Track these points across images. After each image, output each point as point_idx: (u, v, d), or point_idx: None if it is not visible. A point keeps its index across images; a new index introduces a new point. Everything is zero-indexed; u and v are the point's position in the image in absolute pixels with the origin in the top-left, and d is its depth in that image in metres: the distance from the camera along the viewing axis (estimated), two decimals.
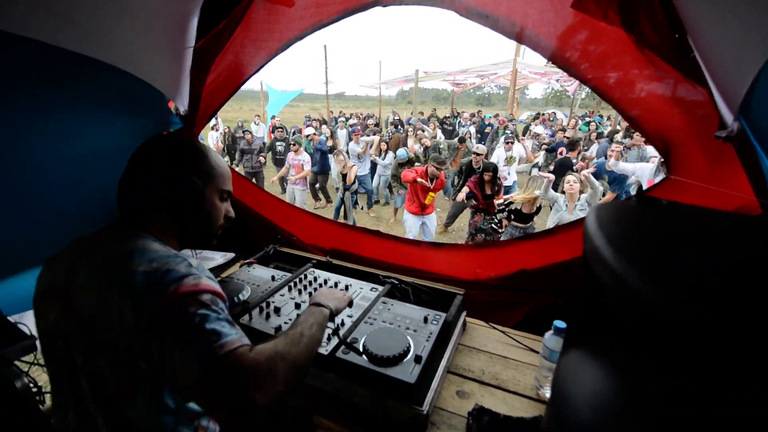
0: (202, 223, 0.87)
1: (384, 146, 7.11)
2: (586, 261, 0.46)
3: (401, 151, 6.15)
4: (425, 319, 1.22)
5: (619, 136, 7.60)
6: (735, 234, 0.43)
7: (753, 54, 0.77)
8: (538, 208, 4.13)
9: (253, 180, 7.26)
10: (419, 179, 4.53)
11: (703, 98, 1.17)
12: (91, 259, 0.75)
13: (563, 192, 3.74)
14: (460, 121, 12.11)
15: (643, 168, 4.20)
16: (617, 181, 4.62)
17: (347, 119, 12.28)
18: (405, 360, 1.05)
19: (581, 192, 3.57)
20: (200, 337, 0.64)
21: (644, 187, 4.11)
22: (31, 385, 1.16)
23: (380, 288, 1.44)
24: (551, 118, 13.07)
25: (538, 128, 9.81)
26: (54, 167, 1.54)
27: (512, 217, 4.18)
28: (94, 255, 0.76)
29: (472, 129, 10.32)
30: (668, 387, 0.39)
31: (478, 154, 5.24)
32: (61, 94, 1.41)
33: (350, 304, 1.12)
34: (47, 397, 1.19)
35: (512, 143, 6.27)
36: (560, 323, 1.10)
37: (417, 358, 1.05)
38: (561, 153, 6.17)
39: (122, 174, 0.83)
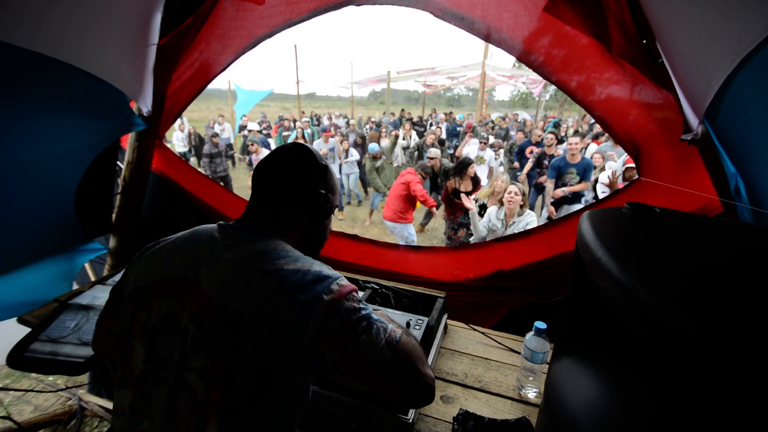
0: (322, 238, 0.94)
1: (346, 145, 7.06)
2: (582, 270, 0.45)
3: (373, 145, 6.20)
4: (407, 325, 1.20)
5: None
6: (730, 240, 0.44)
7: (721, 61, 0.80)
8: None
9: (222, 184, 7.02)
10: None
11: (669, 102, 1.22)
12: (226, 256, 0.73)
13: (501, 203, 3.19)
14: (431, 123, 12.24)
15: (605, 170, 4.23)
16: (586, 171, 4.74)
17: (313, 120, 12.14)
18: None
19: (522, 206, 3.04)
20: (378, 328, 0.71)
21: (623, 165, 4.11)
22: None
23: (360, 293, 1.41)
24: (516, 119, 13.44)
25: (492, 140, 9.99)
26: (11, 172, 1.40)
27: (481, 212, 4.24)
28: (228, 252, 0.74)
29: (443, 127, 10.47)
30: (661, 405, 0.38)
31: (431, 158, 5.33)
32: (10, 95, 1.28)
33: None
34: None
35: (486, 144, 6.39)
36: (540, 324, 1.11)
37: None
38: (531, 152, 6.35)
39: (261, 175, 0.84)
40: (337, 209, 7.04)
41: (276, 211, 0.83)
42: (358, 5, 1.55)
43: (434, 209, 5.14)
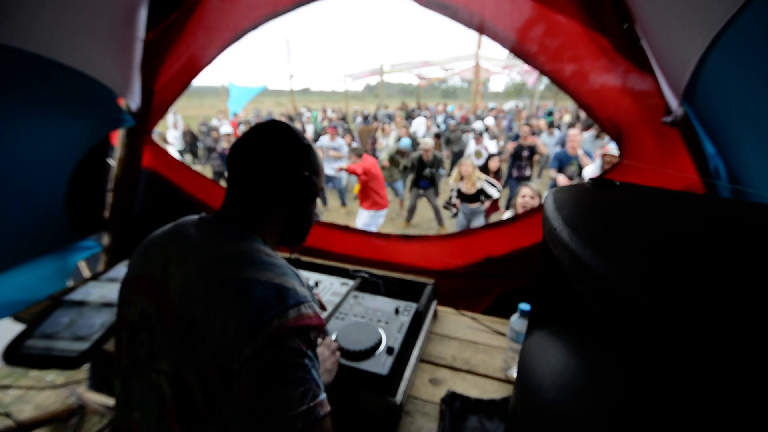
0: (308, 225, 0.85)
1: (349, 139, 7.05)
2: (546, 243, 0.47)
3: (405, 140, 6.18)
4: (396, 311, 1.22)
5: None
6: (685, 211, 0.46)
7: (694, 41, 0.81)
8: (481, 190, 4.23)
9: (221, 181, 7.01)
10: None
11: (650, 86, 1.24)
12: (193, 257, 0.67)
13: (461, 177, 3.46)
14: (423, 114, 12.21)
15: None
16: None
17: (317, 119, 12.04)
18: (377, 352, 1.05)
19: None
20: (308, 390, 0.59)
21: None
22: None
23: (351, 282, 1.43)
24: (505, 111, 13.41)
25: (477, 124, 9.94)
26: None
27: (459, 196, 4.37)
28: (196, 252, 0.67)
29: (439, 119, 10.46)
30: (632, 372, 0.40)
31: (427, 149, 5.35)
32: (1, 95, 1.28)
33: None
34: None
35: (482, 136, 6.40)
36: (525, 306, 1.14)
37: (389, 350, 1.05)
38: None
39: (236, 160, 0.75)
40: (340, 204, 7.03)
41: (254, 202, 0.75)
42: None
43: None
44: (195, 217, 0.77)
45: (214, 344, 0.58)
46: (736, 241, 0.37)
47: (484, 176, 4.10)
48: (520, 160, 5.60)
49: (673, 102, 1.15)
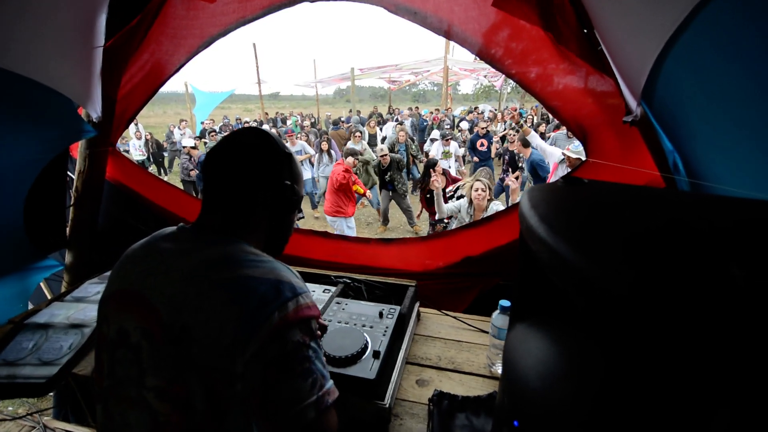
0: (287, 233, 0.83)
1: (325, 146, 7.01)
2: (523, 240, 0.49)
3: (381, 147, 6.24)
4: (380, 314, 1.23)
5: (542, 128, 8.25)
6: (649, 205, 0.49)
7: (649, 45, 0.87)
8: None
9: (193, 192, 6.76)
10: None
11: (611, 88, 1.31)
12: (177, 266, 0.64)
13: (470, 202, 3.29)
14: (397, 118, 12.32)
15: (553, 152, 4.42)
16: (538, 168, 4.96)
17: (278, 121, 11.85)
18: (363, 357, 1.05)
19: (489, 200, 3.16)
20: (316, 380, 0.61)
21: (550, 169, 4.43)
22: None
23: (333, 289, 1.43)
24: (481, 112, 13.78)
25: (463, 123, 10.37)
26: None
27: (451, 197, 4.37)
28: (179, 261, 0.65)
29: (407, 123, 10.59)
30: (610, 358, 0.42)
31: (383, 155, 5.49)
32: None
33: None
34: None
35: (450, 139, 6.55)
36: (505, 302, 1.17)
37: (375, 354, 1.05)
38: (482, 145, 6.63)
39: (212, 169, 0.73)
40: (312, 208, 6.95)
41: (234, 210, 0.73)
42: (312, 1, 1.55)
43: (367, 193, 5.29)
44: (173, 228, 0.75)
45: (212, 347, 0.58)
46: (696, 232, 0.40)
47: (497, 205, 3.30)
48: (503, 165, 5.87)
49: (632, 102, 1.22)
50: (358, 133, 6.75)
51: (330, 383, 0.64)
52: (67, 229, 2.02)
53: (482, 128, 6.92)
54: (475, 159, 6.86)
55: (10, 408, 2.41)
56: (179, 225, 0.75)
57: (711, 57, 0.74)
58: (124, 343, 0.65)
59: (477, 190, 3.11)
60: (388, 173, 5.53)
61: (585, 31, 1.24)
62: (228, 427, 0.60)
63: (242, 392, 0.58)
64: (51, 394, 2.03)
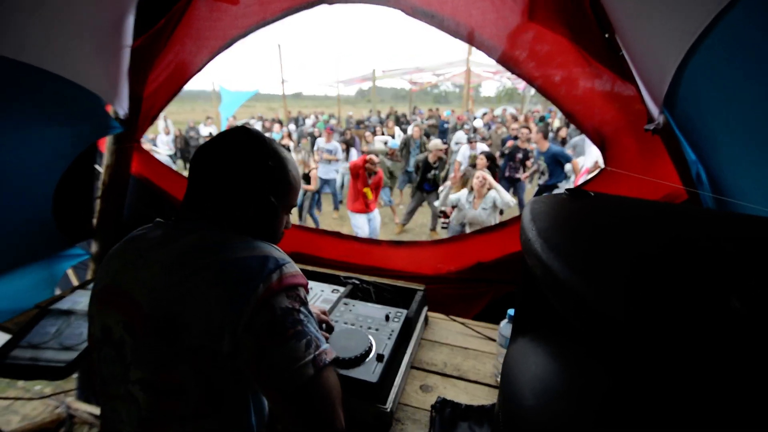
0: (268, 239, 0.80)
1: (344, 146, 7.05)
2: (522, 253, 0.48)
3: (393, 142, 6.18)
4: (387, 317, 1.23)
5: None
6: (658, 223, 0.47)
7: (671, 51, 0.84)
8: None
9: None
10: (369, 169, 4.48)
11: (632, 94, 1.27)
12: (156, 257, 0.65)
13: (471, 189, 3.57)
14: (416, 119, 12.28)
15: (584, 139, 4.26)
16: (555, 165, 4.87)
17: (300, 120, 11.89)
18: (367, 360, 1.05)
19: (489, 189, 3.41)
20: (310, 341, 0.61)
21: (592, 162, 4.27)
22: None
23: (342, 289, 1.43)
24: (503, 116, 13.55)
25: (477, 122, 10.17)
26: None
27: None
28: (158, 253, 0.65)
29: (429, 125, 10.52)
30: (613, 377, 0.40)
31: (439, 149, 5.34)
32: None
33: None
34: None
35: (476, 142, 6.44)
36: (513, 311, 1.15)
37: (379, 357, 1.05)
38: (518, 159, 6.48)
39: (196, 169, 0.73)
40: (333, 208, 6.99)
41: (216, 207, 0.72)
42: (330, 3, 1.56)
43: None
44: (149, 224, 0.75)
45: (202, 329, 0.59)
46: (702, 253, 0.38)
47: (496, 186, 3.56)
48: (513, 161, 5.69)
49: (654, 110, 1.17)
50: (368, 134, 6.71)
51: (326, 345, 0.65)
52: (94, 220, 2.11)
53: (524, 140, 5.83)
54: (506, 173, 5.83)
55: (37, 388, 2.53)
56: (155, 220, 0.75)
57: (734, 65, 0.70)
58: (108, 340, 0.65)
59: (478, 177, 3.41)
60: (432, 171, 5.33)
61: (606, 35, 1.21)
62: (224, 410, 0.62)
63: (241, 366, 0.59)
64: (75, 376, 2.12)
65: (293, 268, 0.67)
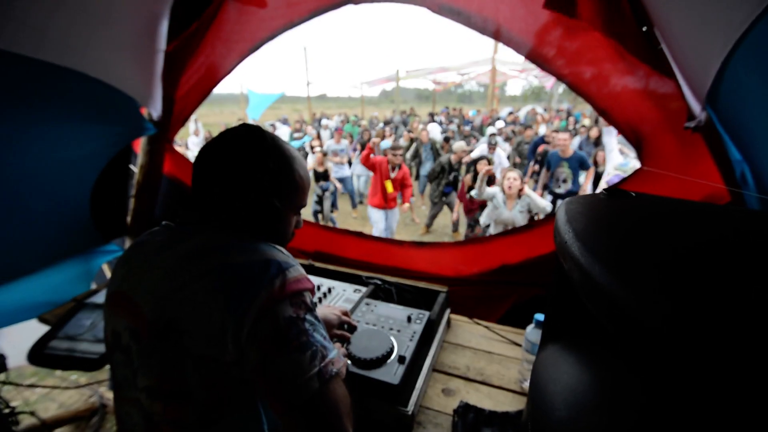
0: (274, 241, 0.77)
1: (359, 147, 7.09)
2: (557, 256, 0.46)
3: (460, 144, 6.09)
4: (408, 319, 1.21)
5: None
6: (702, 225, 0.44)
7: (715, 45, 0.78)
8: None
9: None
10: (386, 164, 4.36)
11: (672, 90, 1.20)
12: (159, 263, 0.64)
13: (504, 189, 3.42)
14: (441, 120, 12.17)
15: (614, 157, 4.07)
16: (578, 171, 4.68)
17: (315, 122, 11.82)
18: (389, 361, 1.04)
19: (521, 191, 3.29)
20: (316, 351, 0.59)
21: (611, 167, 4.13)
22: (2, 406, 1.11)
23: (363, 289, 1.43)
24: (528, 116, 13.21)
25: (499, 123, 9.89)
26: (26, 179, 1.48)
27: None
28: (161, 257, 0.65)
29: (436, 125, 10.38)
30: (649, 390, 0.38)
31: (463, 150, 5.26)
32: (29, 104, 1.35)
33: (345, 314, 1.14)
34: (21, 417, 1.14)
35: (495, 146, 6.31)
36: (540, 316, 1.11)
37: (401, 359, 1.04)
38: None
39: (198, 169, 0.71)
40: (352, 207, 7.02)
41: (218, 208, 0.71)
42: (356, 3, 1.57)
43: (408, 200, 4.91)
44: (156, 228, 0.74)
45: (203, 337, 0.57)
46: (749, 258, 0.35)
47: (528, 192, 3.39)
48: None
49: (695, 106, 1.11)
50: (375, 140, 6.68)
51: (333, 353, 0.63)
52: (128, 218, 2.20)
53: (550, 134, 6.00)
54: (534, 167, 5.98)
55: (73, 377, 2.66)
56: (163, 223, 0.74)
57: None
58: (118, 346, 0.66)
59: (509, 179, 3.28)
60: (453, 173, 5.25)
61: (644, 29, 1.15)
62: (233, 417, 0.61)
63: (246, 375, 0.58)
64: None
65: (297, 271, 0.65)
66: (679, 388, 0.35)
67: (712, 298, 0.31)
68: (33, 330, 1.54)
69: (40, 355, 1.29)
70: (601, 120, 4.04)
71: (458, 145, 5.39)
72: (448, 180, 5.33)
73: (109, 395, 2.27)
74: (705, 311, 0.29)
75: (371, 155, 4.40)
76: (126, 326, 0.64)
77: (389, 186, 4.43)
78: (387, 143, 6.35)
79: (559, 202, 4.66)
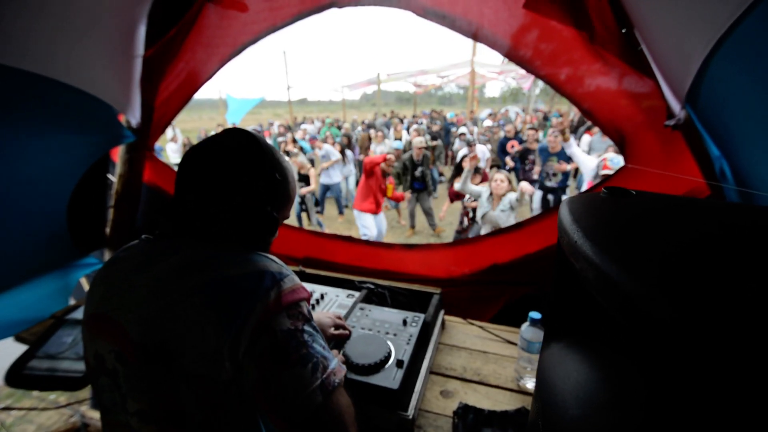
0: (261, 250, 0.74)
1: (339, 149, 7.05)
2: (562, 255, 0.46)
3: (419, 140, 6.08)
4: (404, 322, 1.21)
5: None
6: (705, 221, 0.45)
7: (697, 44, 0.81)
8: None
9: None
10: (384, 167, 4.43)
11: (651, 89, 1.24)
12: (142, 281, 0.60)
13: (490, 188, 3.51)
14: (421, 121, 12.26)
15: (586, 163, 4.18)
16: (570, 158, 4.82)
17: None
18: (387, 366, 1.03)
19: (509, 191, 3.38)
20: (317, 363, 0.57)
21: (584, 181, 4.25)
22: None
23: (357, 294, 1.42)
24: (506, 116, 13.49)
25: (487, 122, 10.28)
26: None
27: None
28: (144, 276, 0.61)
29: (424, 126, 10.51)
30: (655, 388, 0.38)
31: (420, 147, 5.33)
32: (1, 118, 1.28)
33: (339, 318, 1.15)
34: None
35: (474, 145, 6.41)
36: (535, 314, 1.12)
37: (399, 363, 1.03)
38: (512, 146, 6.47)
39: (186, 176, 0.67)
40: (338, 213, 6.98)
41: (198, 222, 0.66)
42: (340, 7, 1.56)
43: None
44: (136, 241, 0.70)
45: (197, 356, 0.55)
46: (757, 250, 0.36)
47: (516, 192, 3.44)
48: (525, 163, 5.71)
49: (675, 105, 1.14)
50: (379, 134, 6.73)
51: (334, 363, 0.61)
52: (107, 229, 2.12)
53: (509, 130, 6.82)
54: (509, 163, 6.33)
55: (52, 397, 2.54)
56: (142, 236, 0.70)
57: (765, 57, 0.68)
58: (102, 369, 0.62)
59: (496, 180, 3.36)
60: (420, 168, 5.34)
61: (624, 30, 1.18)
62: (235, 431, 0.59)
63: (246, 392, 0.57)
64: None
65: (292, 281, 0.62)
66: (694, 381, 0.36)
67: (724, 289, 0.31)
68: (9, 349, 1.46)
69: (18, 375, 1.22)
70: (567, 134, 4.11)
71: (416, 141, 5.47)
72: (414, 176, 5.41)
73: (92, 414, 2.18)
74: (721, 302, 0.29)
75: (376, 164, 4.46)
76: (110, 349, 0.60)
77: (390, 190, 4.58)
78: (398, 144, 6.38)
79: (550, 195, 4.80)
